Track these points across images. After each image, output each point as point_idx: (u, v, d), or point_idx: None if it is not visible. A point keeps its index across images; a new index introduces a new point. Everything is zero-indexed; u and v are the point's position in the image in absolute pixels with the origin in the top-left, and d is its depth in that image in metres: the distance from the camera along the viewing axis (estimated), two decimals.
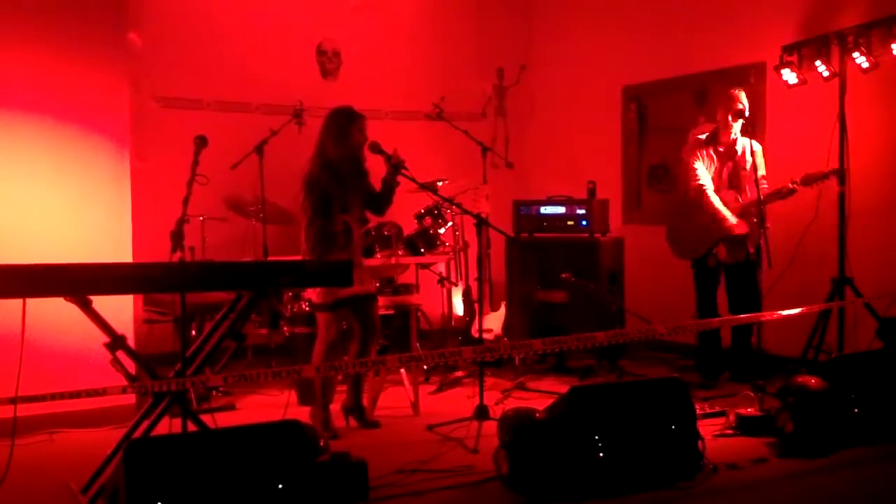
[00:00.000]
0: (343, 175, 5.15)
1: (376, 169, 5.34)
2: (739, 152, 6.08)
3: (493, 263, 7.39)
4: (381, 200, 5.34)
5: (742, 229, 5.98)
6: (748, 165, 6.01)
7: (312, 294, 5.17)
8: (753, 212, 5.94)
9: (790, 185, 5.79)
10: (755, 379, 5.78)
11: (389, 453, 4.63)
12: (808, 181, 5.78)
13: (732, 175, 6.11)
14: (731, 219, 5.99)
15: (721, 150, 6.13)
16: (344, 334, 5.30)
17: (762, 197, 5.87)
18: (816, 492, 4.12)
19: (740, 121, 5.98)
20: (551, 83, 8.98)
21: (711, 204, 6.06)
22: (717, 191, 6.08)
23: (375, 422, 5.37)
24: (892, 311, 5.77)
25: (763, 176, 6.02)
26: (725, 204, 6.03)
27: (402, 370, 5.86)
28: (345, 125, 5.17)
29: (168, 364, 4.51)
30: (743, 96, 6.04)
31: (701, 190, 6.13)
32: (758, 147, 6.10)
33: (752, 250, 6.03)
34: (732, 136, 6.05)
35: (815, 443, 4.56)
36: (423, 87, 8.29)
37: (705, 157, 6.17)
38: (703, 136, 6.27)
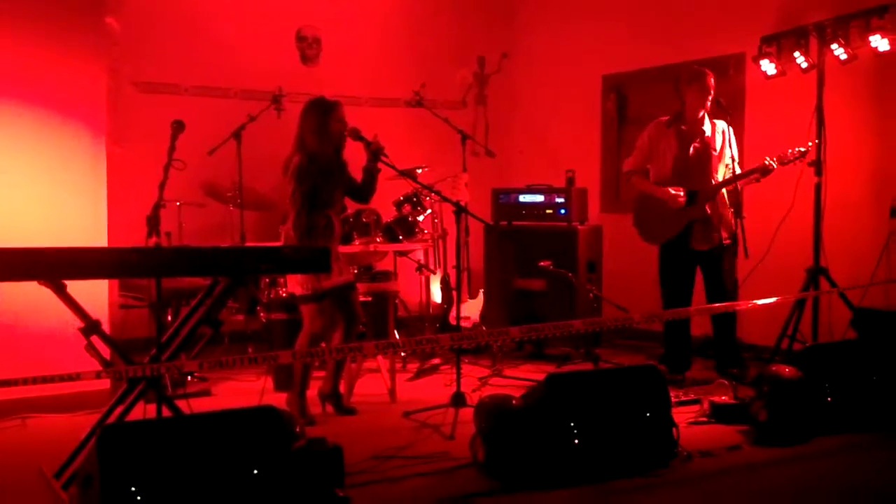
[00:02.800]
0: (327, 167, 5.13)
1: (355, 156, 5.33)
2: (708, 132, 5.87)
3: (471, 251, 7.38)
4: (365, 189, 5.33)
5: (701, 211, 5.82)
6: (718, 147, 5.86)
7: (296, 287, 5.15)
8: (725, 199, 5.88)
9: (766, 164, 5.64)
10: (733, 370, 5.84)
11: (366, 440, 4.63)
12: (784, 160, 5.67)
13: (703, 157, 5.87)
14: (679, 193, 5.82)
15: (683, 128, 5.91)
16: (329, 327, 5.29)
17: (735, 174, 5.76)
18: (789, 479, 4.15)
19: (708, 99, 5.83)
20: (532, 71, 8.98)
21: (646, 187, 6.02)
22: (682, 172, 5.88)
23: (352, 408, 5.37)
24: (866, 302, 5.84)
25: (733, 158, 5.87)
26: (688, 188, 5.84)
27: (380, 357, 5.86)
28: (322, 117, 5.12)
29: (143, 349, 4.50)
30: (711, 75, 5.89)
31: (628, 177, 6.17)
32: (728, 129, 5.93)
33: (724, 235, 5.82)
34: (700, 114, 5.86)
35: (788, 431, 4.60)
36: (403, 75, 8.27)
37: (660, 138, 5.99)
38: (664, 119, 6.07)
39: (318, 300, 5.08)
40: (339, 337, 5.28)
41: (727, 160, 5.91)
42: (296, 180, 5.04)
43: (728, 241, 5.85)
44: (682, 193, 5.85)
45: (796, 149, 5.71)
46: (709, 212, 5.83)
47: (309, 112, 5.17)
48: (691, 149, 5.91)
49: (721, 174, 5.90)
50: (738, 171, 5.87)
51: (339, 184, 5.21)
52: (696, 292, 6.06)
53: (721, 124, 5.96)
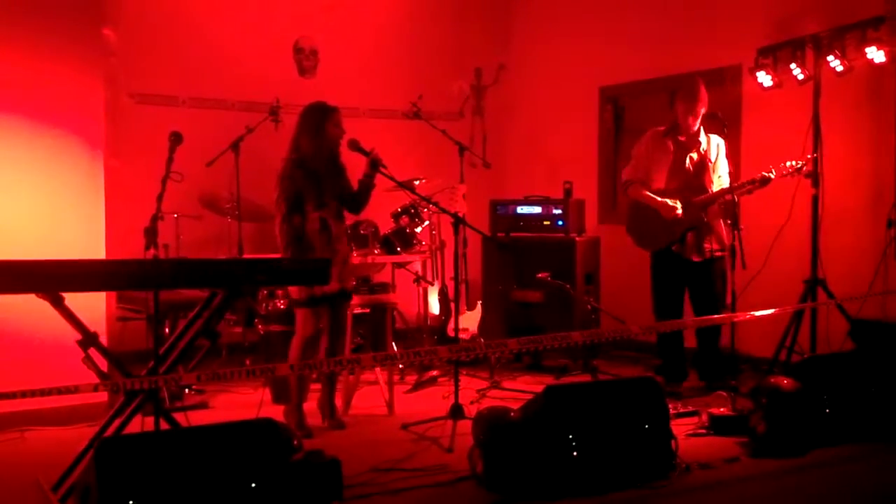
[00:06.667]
0: (318, 171, 5.14)
1: (354, 169, 5.33)
2: (704, 145, 5.91)
3: (469, 263, 7.39)
4: (357, 199, 5.34)
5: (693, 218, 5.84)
6: (713, 159, 5.91)
7: (293, 289, 5.16)
8: (717, 211, 5.90)
9: (763, 175, 5.64)
10: (725, 380, 5.81)
11: (364, 452, 4.62)
12: (783, 173, 5.67)
13: (699, 169, 5.91)
14: (676, 206, 5.84)
15: (682, 139, 5.95)
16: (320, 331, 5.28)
17: (732, 185, 5.77)
18: (788, 491, 4.15)
19: (702, 112, 5.87)
20: (529, 83, 9.00)
21: (644, 196, 6.01)
22: (680, 182, 5.91)
23: (341, 422, 5.30)
24: (864, 313, 5.83)
25: (730, 172, 5.95)
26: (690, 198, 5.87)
27: (378, 369, 5.85)
28: (319, 120, 5.16)
29: (141, 362, 4.49)
30: (702, 86, 5.93)
31: (626, 187, 6.15)
32: (722, 143, 5.99)
33: (716, 247, 5.87)
34: (695, 127, 5.89)
35: (787, 443, 4.60)
36: (400, 86, 8.28)
37: (657, 148, 6.02)
38: (660, 129, 6.09)
39: (310, 305, 5.10)
40: (322, 349, 5.25)
41: (720, 173, 5.96)
42: (278, 187, 5.09)
43: (720, 254, 5.88)
44: (678, 205, 5.87)
45: (794, 162, 5.71)
46: (705, 220, 5.85)
47: (307, 115, 5.21)
48: (688, 160, 5.95)
49: (715, 186, 5.91)
50: (730, 184, 5.87)
51: (332, 187, 5.21)
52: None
53: (716, 138, 6.01)
